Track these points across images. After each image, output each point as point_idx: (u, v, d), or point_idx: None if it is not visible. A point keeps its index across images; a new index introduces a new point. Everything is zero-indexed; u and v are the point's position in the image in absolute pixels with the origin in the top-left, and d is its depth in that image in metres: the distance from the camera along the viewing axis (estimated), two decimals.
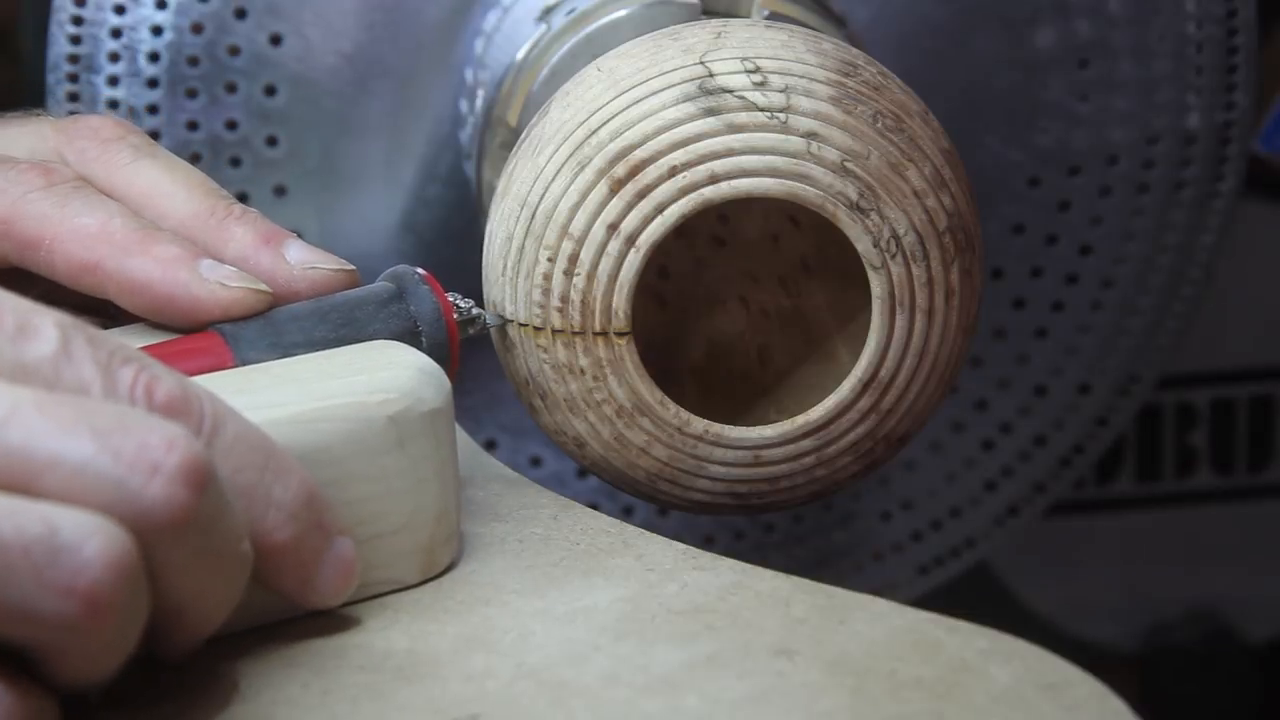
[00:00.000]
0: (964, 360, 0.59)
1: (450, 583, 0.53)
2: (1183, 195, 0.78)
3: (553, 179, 0.57)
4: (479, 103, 0.73)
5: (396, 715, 0.48)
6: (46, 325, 0.46)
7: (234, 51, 0.75)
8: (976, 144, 0.77)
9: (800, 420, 0.58)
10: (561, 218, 0.57)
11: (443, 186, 0.77)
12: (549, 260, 0.57)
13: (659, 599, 0.52)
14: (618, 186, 0.56)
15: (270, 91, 0.76)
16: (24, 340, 0.46)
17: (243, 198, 0.76)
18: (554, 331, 0.57)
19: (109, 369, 0.46)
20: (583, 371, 0.57)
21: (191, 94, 0.75)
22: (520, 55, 0.71)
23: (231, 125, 0.76)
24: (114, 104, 0.75)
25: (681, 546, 0.54)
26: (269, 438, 0.49)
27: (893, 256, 0.56)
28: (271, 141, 0.76)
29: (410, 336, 0.56)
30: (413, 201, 0.77)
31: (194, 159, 0.76)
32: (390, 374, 0.52)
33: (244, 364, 0.54)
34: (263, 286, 0.56)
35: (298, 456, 0.49)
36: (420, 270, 0.58)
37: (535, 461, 0.80)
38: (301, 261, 0.58)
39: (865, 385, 0.57)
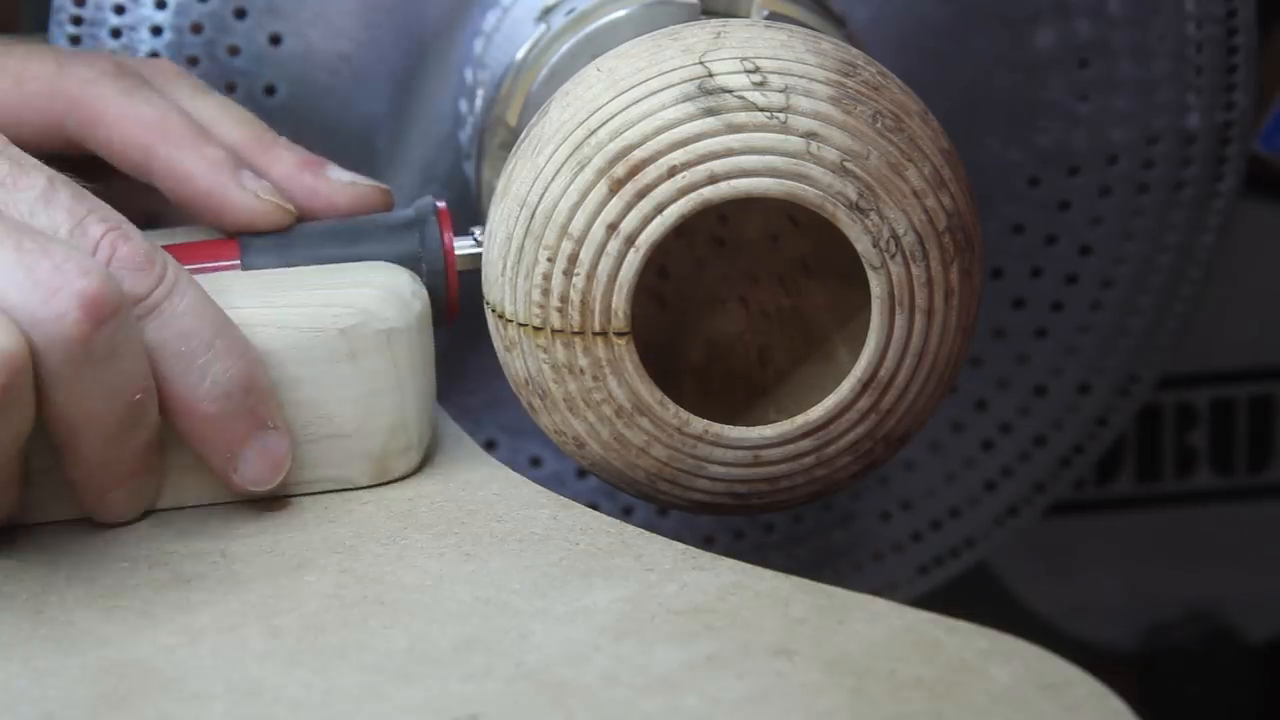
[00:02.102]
0: (964, 360, 0.59)
1: (450, 582, 0.53)
2: (1183, 195, 0.78)
3: (552, 179, 0.57)
4: (479, 103, 0.73)
5: (397, 715, 0.48)
6: (36, 172, 0.53)
7: (234, 51, 0.75)
8: (976, 144, 0.77)
9: (800, 420, 0.58)
10: (561, 218, 0.57)
11: (442, 186, 0.76)
12: (548, 260, 0.57)
13: (659, 599, 0.52)
14: (617, 186, 0.56)
15: (270, 91, 0.75)
16: (12, 182, 0.52)
17: None
18: (553, 331, 0.57)
19: (82, 221, 0.52)
20: (582, 371, 0.57)
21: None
22: (520, 55, 0.71)
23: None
24: None
25: (681, 546, 0.54)
26: (230, 322, 0.54)
27: (892, 256, 0.56)
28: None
29: (414, 263, 0.61)
30: (413, 200, 0.77)
31: None
32: (357, 291, 0.57)
33: (248, 269, 0.60)
34: (290, 207, 0.62)
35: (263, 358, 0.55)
36: (440, 203, 0.62)
37: (535, 462, 0.80)
38: (342, 179, 0.64)
39: (865, 385, 0.57)
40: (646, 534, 0.55)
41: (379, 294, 0.57)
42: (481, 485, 0.59)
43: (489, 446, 0.79)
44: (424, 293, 0.59)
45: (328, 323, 0.56)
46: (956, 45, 0.76)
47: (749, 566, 0.53)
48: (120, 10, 0.75)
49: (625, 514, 0.79)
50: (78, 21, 0.75)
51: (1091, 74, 0.76)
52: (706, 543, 0.81)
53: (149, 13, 0.75)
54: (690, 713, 0.47)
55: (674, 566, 0.53)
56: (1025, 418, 0.80)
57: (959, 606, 0.53)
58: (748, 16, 0.68)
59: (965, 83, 0.76)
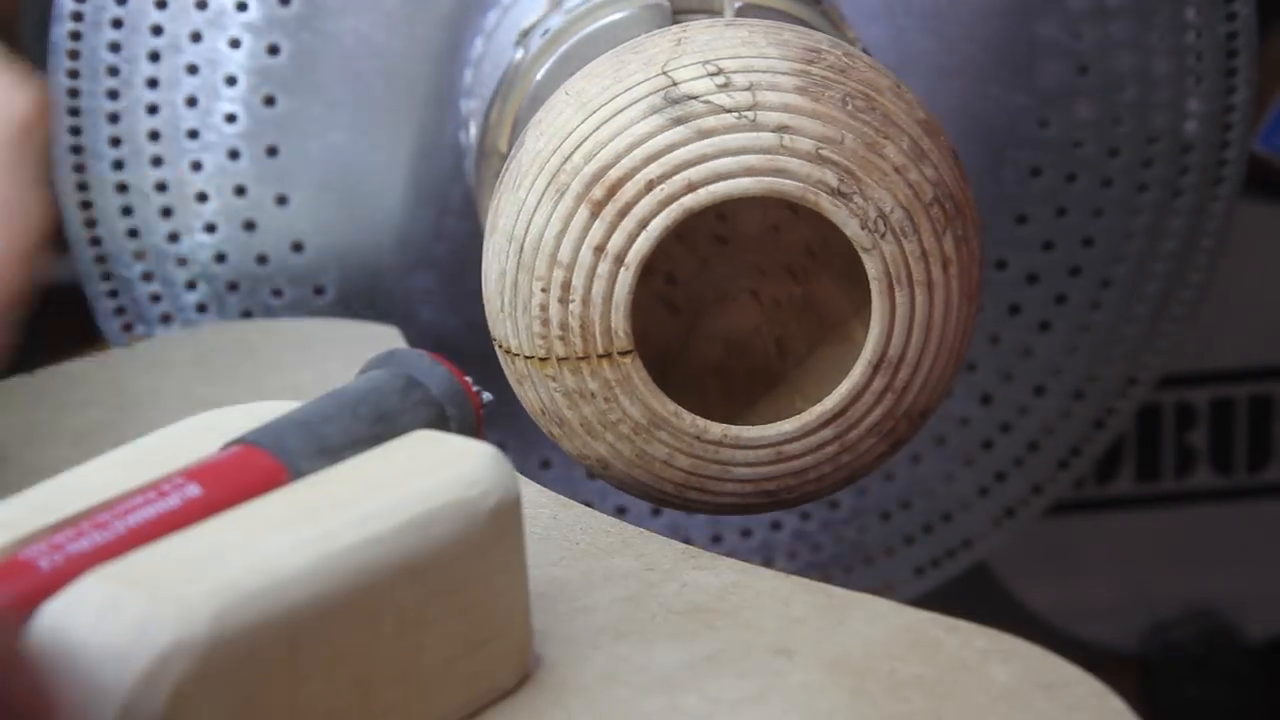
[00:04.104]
0: (973, 327, 0.58)
1: None
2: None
3: (535, 209, 0.57)
4: (473, 132, 0.73)
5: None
6: None
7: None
8: (983, 94, 0.76)
9: (817, 410, 0.57)
10: (549, 247, 0.56)
11: (457, 219, 0.76)
12: (542, 290, 0.57)
13: (659, 598, 0.52)
14: (598, 208, 0.56)
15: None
16: None
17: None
18: (559, 360, 0.57)
19: None
20: (593, 395, 0.57)
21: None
22: (502, 81, 0.70)
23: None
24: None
25: (681, 546, 0.54)
26: None
27: (882, 236, 0.56)
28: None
29: (439, 422, 0.51)
30: (429, 235, 0.77)
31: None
32: (472, 465, 0.48)
33: (299, 476, 0.48)
34: None
35: (416, 565, 0.46)
36: (426, 352, 0.54)
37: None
38: None
39: (876, 367, 0.57)
40: (647, 533, 0.55)
41: (490, 462, 0.48)
42: None
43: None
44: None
45: (478, 505, 0.47)
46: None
47: (749, 566, 0.53)
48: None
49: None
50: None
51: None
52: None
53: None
54: (690, 712, 0.47)
55: (674, 566, 0.53)
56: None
57: (959, 606, 0.53)
58: (721, 12, 0.67)
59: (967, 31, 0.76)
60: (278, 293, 0.76)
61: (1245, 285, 0.98)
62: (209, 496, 0.46)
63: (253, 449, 0.48)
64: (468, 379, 0.53)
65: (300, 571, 0.44)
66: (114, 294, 0.77)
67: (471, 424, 0.52)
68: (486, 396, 0.53)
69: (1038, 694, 0.47)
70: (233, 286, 0.76)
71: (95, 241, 0.77)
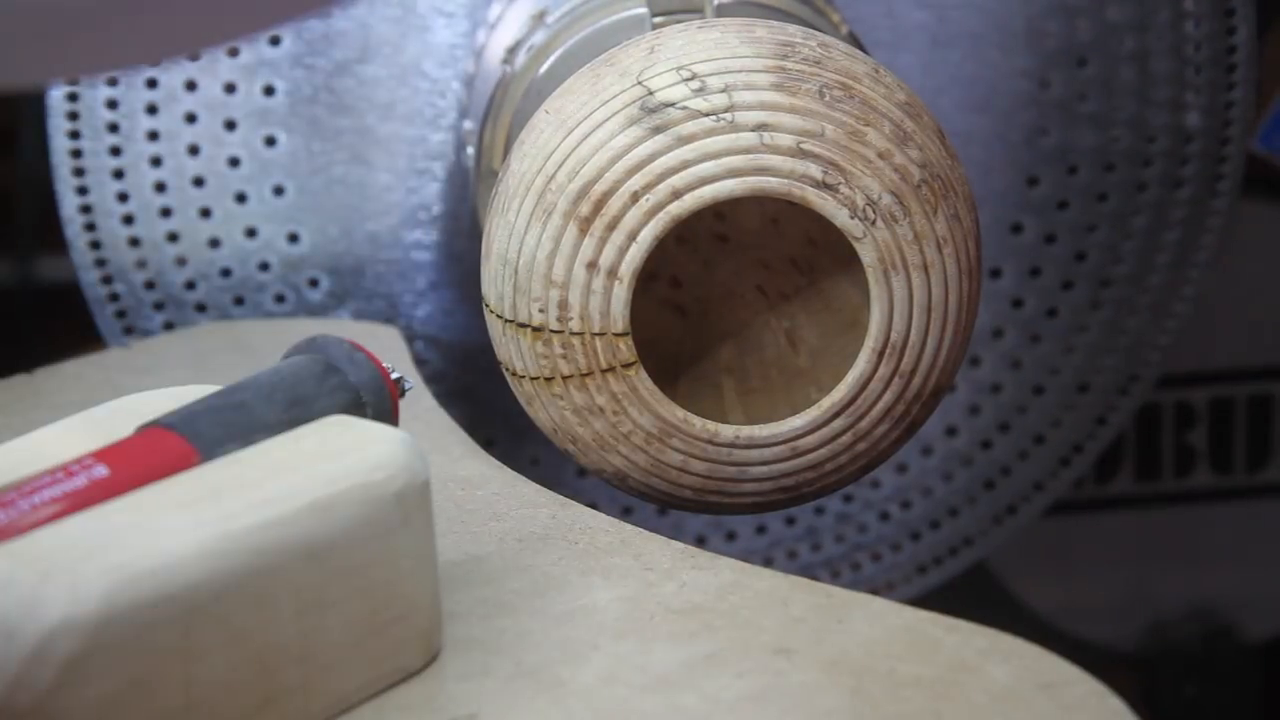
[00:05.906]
0: (977, 303, 0.58)
1: (448, 583, 0.53)
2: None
3: (525, 231, 0.57)
4: (471, 152, 0.73)
5: (396, 715, 0.47)
6: None
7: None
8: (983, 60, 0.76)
9: (826, 403, 0.57)
10: (542, 267, 0.56)
11: (467, 240, 0.76)
12: (540, 311, 0.57)
13: (657, 598, 0.52)
14: (586, 225, 0.56)
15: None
16: None
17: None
18: (564, 378, 0.57)
19: None
20: (602, 410, 0.57)
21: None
22: (492, 100, 0.70)
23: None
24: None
25: (680, 545, 0.54)
26: None
27: (872, 223, 0.56)
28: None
29: (355, 408, 0.52)
30: (443, 258, 0.77)
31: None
32: (380, 450, 0.49)
33: (210, 458, 0.49)
34: None
35: (316, 547, 0.46)
36: (345, 339, 0.54)
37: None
38: None
39: (880, 353, 0.57)
40: (645, 533, 0.55)
41: (399, 448, 0.49)
42: (481, 484, 0.59)
43: (488, 445, 0.79)
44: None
45: (381, 489, 0.48)
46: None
47: (748, 565, 0.53)
48: None
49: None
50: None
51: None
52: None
53: None
54: (689, 712, 0.47)
55: (673, 566, 0.53)
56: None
57: (959, 606, 0.53)
58: (702, 9, 0.67)
59: None
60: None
61: (1245, 285, 0.98)
62: (116, 477, 0.47)
63: (163, 431, 0.49)
64: (386, 366, 0.53)
65: (194, 552, 0.44)
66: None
67: (388, 410, 0.52)
68: (407, 384, 0.54)
69: (1038, 694, 0.47)
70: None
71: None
